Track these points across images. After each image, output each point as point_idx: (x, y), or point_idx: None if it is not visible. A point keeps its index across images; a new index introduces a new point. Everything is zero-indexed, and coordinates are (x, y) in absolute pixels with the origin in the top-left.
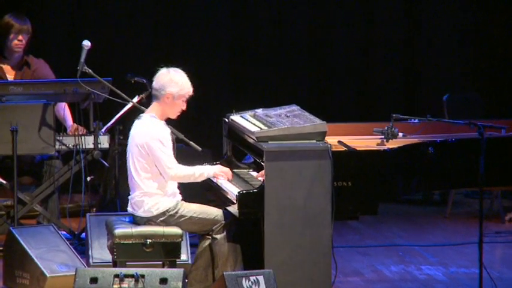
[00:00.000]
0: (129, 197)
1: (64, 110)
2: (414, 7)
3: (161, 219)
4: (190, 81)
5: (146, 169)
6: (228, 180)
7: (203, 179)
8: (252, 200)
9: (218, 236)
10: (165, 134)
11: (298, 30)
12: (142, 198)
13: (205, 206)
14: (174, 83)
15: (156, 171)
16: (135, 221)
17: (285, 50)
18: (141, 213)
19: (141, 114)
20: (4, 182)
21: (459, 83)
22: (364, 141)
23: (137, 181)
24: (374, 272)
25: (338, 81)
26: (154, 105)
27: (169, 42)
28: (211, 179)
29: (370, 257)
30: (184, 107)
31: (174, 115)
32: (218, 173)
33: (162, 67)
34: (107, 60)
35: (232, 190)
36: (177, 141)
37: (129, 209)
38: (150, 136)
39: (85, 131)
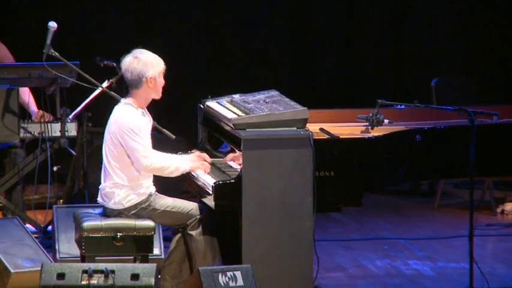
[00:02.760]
0: (100, 187)
1: (28, 96)
2: None
3: (132, 212)
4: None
5: (117, 159)
6: (202, 170)
7: (178, 174)
8: (228, 191)
9: (193, 233)
10: (140, 122)
11: (279, 12)
12: (113, 189)
13: (179, 199)
14: (149, 65)
15: (127, 161)
16: (105, 213)
17: (264, 32)
18: (111, 205)
19: (120, 100)
20: None
21: (448, 67)
22: (348, 128)
23: (109, 171)
24: (358, 267)
25: (320, 65)
26: (133, 93)
27: (140, 24)
28: None
29: (353, 251)
30: (163, 82)
31: (158, 95)
32: (195, 167)
33: (123, 56)
34: (75, 43)
35: (207, 181)
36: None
37: (99, 199)
38: (122, 125)
39: (51, 117)
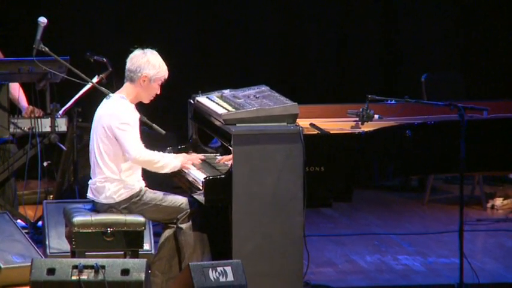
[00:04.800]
0: (90, 182)
1: (18, 91)
2: None
3: (123, 206)
4: None
5: (110, 152)
6: (194, 165)
7: (167, 171)
8: (219, 187)
9: (184, 226)
10: (133, 117)
11: (269, 7)
12: (104, 183)
13: (170, 193)
14: (151, 65)
15: (120, 155)
16: (96, 208)
17: (255, 26)
18: (102, 199)
19: (110, 94)
20: None
21: (439, 62)
22: (338, 123)
23: (100, 164)
24: (348, 262)
25: (310, 60)
26: (127, 86)
27: (131, 18)
28: None
29: (344, 246)
30: (158, 91)
31: (147, 99)
32: (185, 164)
33: (136, 47)
34: (65, 38)
35: (198, 176)
36: (140, 124)
37: (89, 195)
38: (117, 118)
39: (41, 113)
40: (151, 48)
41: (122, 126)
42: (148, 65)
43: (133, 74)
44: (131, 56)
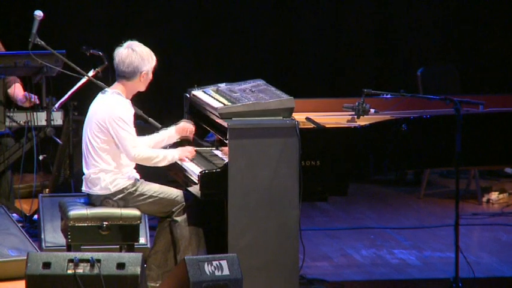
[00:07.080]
0: (84, 176)
1: (15, 90)
2: None
3: (119, 197)
4: None
5: (104, 147)
6: (189, 158)
7: (166, 163)
8: (214, 180)
9: (179, 219)
10: (129, 113)
11: (265, 1)
12: (99, 175)
13: (165, 186)
14: (145, 60)
15: (114, 149)
16: (91, 201)
17: (251, 20)
18: (97, 190)
19: (106, 89)
20: None
21: (434, 56)
22: (334, 117)
23: (94, 157)
24: (343, 256)
25: (306, 54)
26: (122, 83)
27: (126, 12)
28: None
29: (339, 240)
30: (151, 78)
31: (144, 88)
32: (183, 156)
33: (119, 46)
34: (61, 32)
35: (194, 170)
36: (135, 118)
37: (84, 188)
38: (113, 114)
39: (36, 98)
40: (134, 40)
41: (118, 123)
42: (143, 61)
43: (131, 75)
44: (122, 57)
